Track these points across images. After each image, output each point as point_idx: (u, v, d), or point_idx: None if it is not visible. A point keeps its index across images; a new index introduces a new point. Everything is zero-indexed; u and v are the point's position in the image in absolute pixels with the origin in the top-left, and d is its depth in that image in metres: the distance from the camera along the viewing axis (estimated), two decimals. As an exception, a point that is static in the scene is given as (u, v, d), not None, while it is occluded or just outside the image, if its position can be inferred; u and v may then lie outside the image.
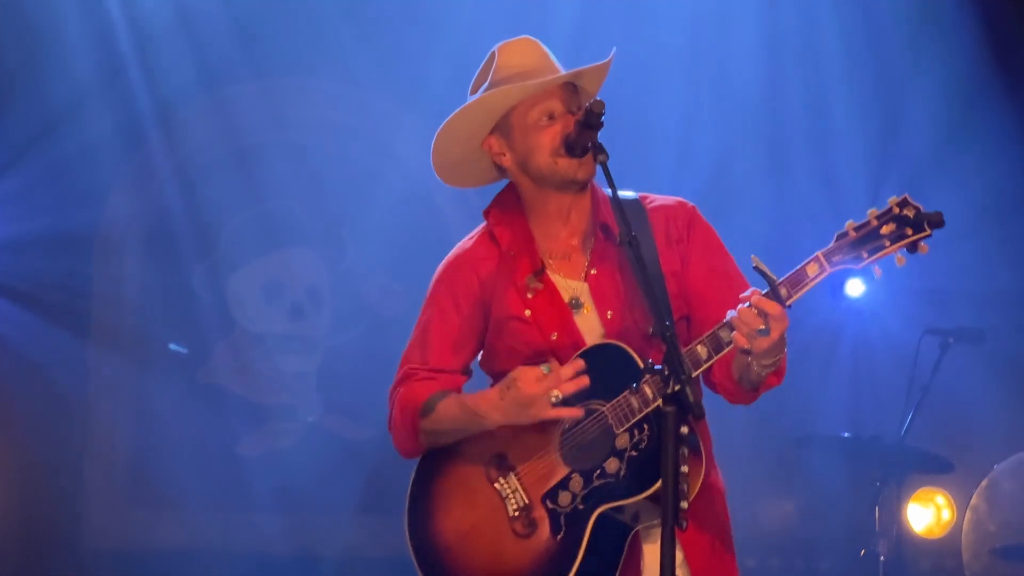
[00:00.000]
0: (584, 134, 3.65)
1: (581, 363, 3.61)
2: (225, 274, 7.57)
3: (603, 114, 3.59)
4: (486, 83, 3.82)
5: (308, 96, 7.55)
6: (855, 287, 7.30)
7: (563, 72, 3.79)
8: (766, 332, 3.45)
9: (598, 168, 3.61)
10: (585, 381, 3.60)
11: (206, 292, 7.54)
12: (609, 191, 3.59)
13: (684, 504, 3.25)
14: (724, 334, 3.54)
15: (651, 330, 3.34)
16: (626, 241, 3.50)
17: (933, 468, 6.94)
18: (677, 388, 3.25)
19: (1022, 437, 7.12)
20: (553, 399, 3.57)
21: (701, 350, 3.57)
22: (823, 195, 7.42)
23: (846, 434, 7.06)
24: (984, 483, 6.78)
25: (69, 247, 7.29)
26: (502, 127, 3.83)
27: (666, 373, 3.29)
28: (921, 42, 7.41)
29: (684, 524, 3.23)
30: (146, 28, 7.19)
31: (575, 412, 3.61)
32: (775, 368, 3.60)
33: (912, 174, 7.32)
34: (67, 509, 7.29)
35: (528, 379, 3.59)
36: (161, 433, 7.33)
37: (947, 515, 7.22)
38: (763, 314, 3.44)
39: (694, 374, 3.55)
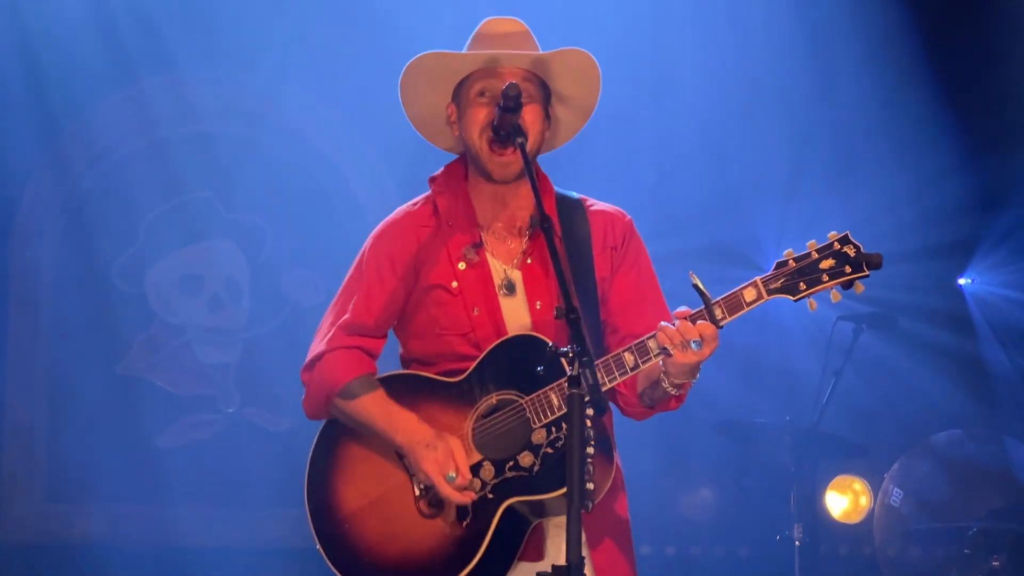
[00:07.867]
0: (504, 118, 3.60)
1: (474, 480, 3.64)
2: (144, 267, 7.52)
3: (518, 96, 3.54)
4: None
5: (222, 87, 7.50)
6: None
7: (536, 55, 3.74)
8: (699, 345, 3.47)
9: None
10: (466, 500, 3.63)
11: (125, 284, 7.49)
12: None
13: (590, 485, 3.21)
14: (652, 344, 3.54)
15: (555, 312, 3.32)
16: (537, 223, 3.50)
17: (847, 453, 7.02)
18: (576, 370, 3.22)
19: (932, 421, 7.23)
20: (447, 478, 3.62)
21: (628, 357, 3.57)
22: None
23: (761, 420, 7.13)
24: (895, 467, 6.88)
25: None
26: (457, 95, 3.81)
27: (571, 355, 3.26)
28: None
29: (590, 505, 3.19)
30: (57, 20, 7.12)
31: (464, 500, 3.63)
32: (679, 392, 3.63)
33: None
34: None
35: (437, 469, 3.63)
36: (79, 426, 7.27)
37: (864, 501, 7.29)
38: (699, 333, 3.47)
39: (620, 379, 3.57)
